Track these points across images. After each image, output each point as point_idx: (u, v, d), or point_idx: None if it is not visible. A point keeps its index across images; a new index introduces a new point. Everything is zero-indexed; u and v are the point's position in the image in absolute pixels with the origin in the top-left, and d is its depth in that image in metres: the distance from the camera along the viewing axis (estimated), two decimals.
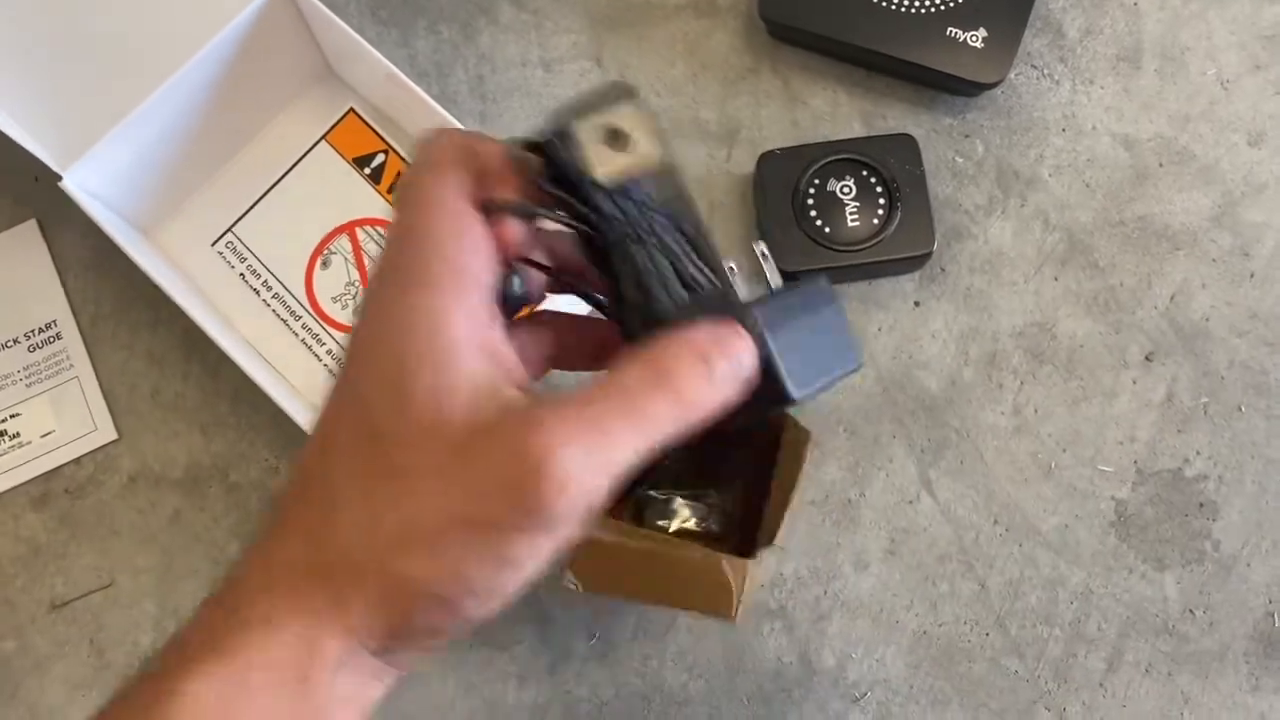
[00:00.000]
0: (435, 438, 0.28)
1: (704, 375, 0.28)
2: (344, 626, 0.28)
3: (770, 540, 0.42)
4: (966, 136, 0.57)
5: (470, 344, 0.28)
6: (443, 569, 0.28)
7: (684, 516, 0.46)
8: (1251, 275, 0.55)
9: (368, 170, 0.56)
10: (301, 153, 0.56)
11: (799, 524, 0.52)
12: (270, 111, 0.56)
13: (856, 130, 0.57)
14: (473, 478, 0.27)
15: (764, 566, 0.52)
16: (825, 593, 0.52)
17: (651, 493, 0.47)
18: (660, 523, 0.47)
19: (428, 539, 0.28)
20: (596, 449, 0.27)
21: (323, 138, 0.57)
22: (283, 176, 0.56)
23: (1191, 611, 0.51)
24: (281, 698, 0.27)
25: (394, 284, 0.29)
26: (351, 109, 0.57)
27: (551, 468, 0.26)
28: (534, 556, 0.28)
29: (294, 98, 0.57)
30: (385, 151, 0.56)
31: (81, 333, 0.55)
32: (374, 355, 0.29)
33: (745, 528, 0.45)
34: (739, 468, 0.47)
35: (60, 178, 0.49)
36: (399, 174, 0.56)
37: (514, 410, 0.28)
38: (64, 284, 0.56)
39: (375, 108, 0.57)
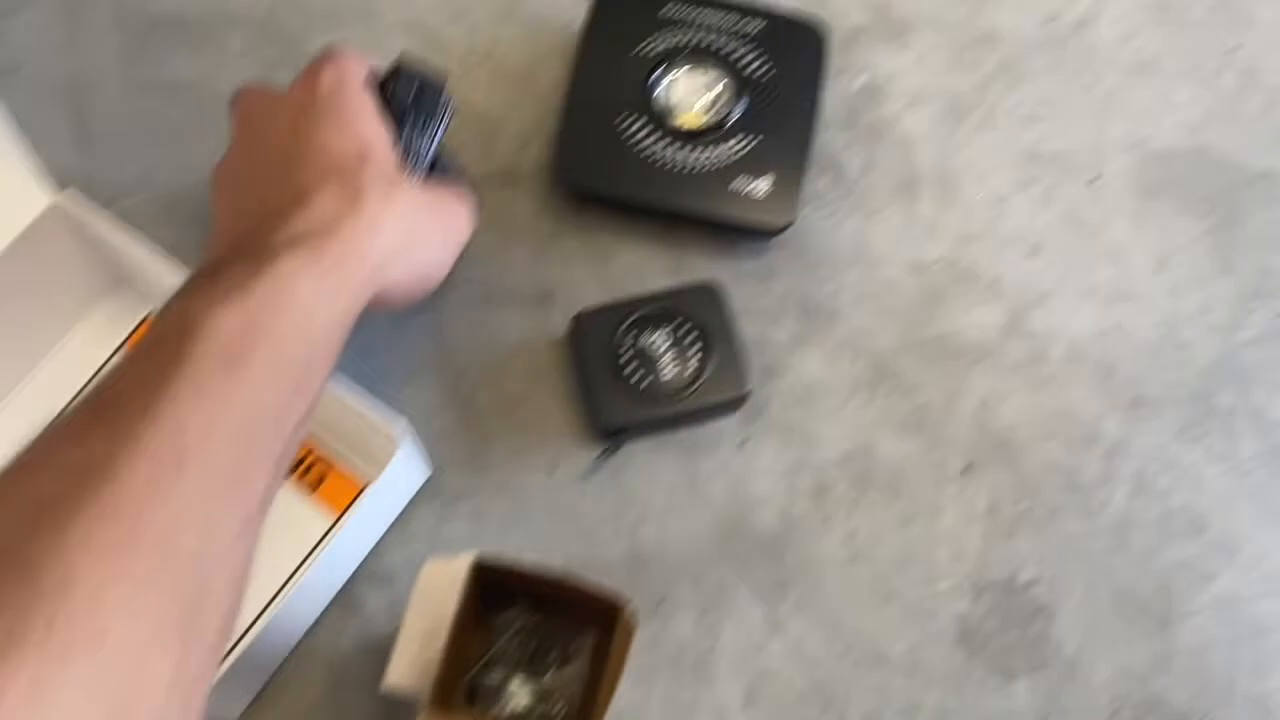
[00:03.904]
0: None
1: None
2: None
3: None
4: (768, 277, 0.59)
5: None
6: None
7: (519, 700, 0.45)
8: (1050, 379, 0.57)
9: None
10: (97, 369, 0.54)
11: (657, 689, 0.51)
12: (59, 329, 0.54)
13: (663, 281, 0.59)
14: None
15: None
16: None
17: (485, 679, 0.45)
18: (493, 710, 0.45)
19: None
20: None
21: (119, 349, 0.55)
22: (73, 400, 0.54)
23: (1046, 718, 0.52)
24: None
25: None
26: (149, 316, 0.55)
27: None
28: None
29: (85, 311, 0.55)
30: None
31: None
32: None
33: (585, 712, 0.44)
34: (578, 646, 0.46)
35: None
36: None
37: None
38: None
39: None
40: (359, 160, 0.44)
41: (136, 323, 0.55)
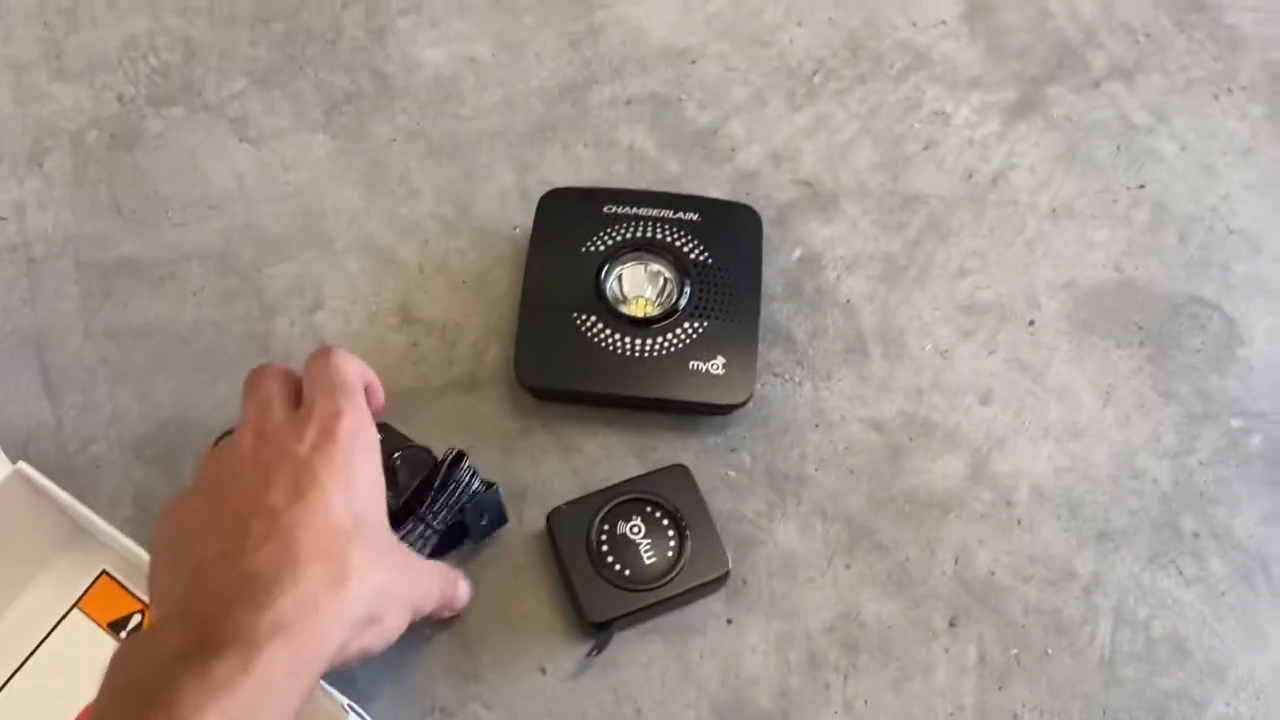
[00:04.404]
0: None
1: (455, 592, 0.54)
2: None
3: None
4: (733, 450, 0.60)
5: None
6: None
7: None
8: (1019, 522, 0.59)
9: (123, 634, 0.54)
10: (51, 626, 0.54)
11: None
12: (13, 587, 0.54)
13: (632, 467, 0.60)
14: None
15: None
16: None
17: None
18: None
19: None
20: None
21: (74, 606, 0.55)
22: (30, 656, 0.53)
23: None
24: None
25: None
26: (104, 571, 0.55)
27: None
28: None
29: (41, 567, 0.55)
30: (142, 611, 0.55)
31: None
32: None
33: None
34: None
35: None
36: None
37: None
38: None
39: (131, 564, 0.55)
40: (350, 534, 0.44)
41: (91, 579, 0.55)
